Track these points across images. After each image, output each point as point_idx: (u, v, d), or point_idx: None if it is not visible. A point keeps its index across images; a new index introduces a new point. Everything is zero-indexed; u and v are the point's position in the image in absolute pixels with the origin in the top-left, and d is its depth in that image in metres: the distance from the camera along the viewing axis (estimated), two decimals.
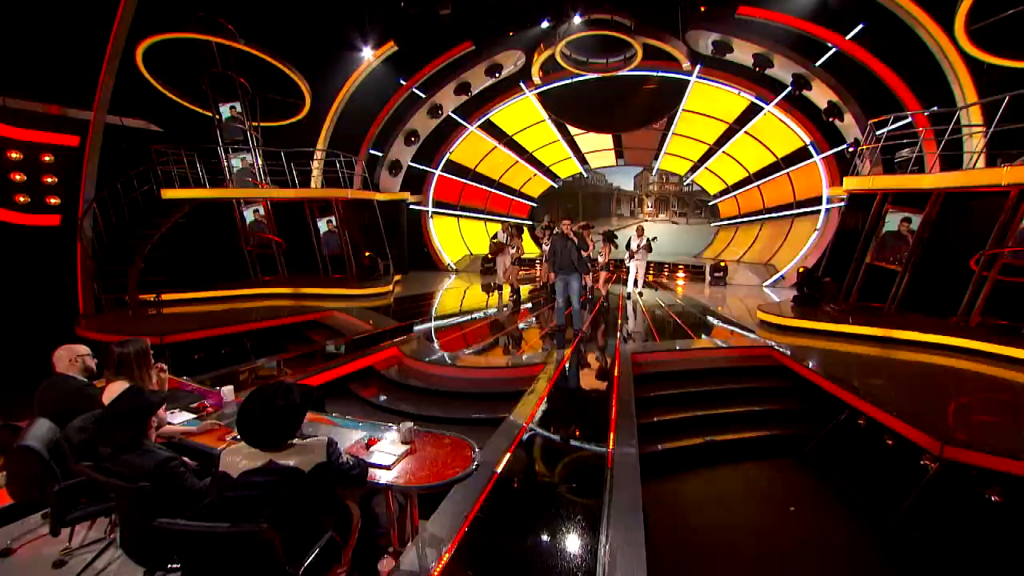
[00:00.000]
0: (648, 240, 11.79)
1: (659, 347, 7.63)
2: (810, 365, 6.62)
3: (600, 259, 11.49)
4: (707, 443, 5.75)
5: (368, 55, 13.68)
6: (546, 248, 11.47)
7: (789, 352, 7.09)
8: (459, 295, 13.28)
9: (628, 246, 11.91)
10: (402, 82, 14.81)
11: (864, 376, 6.29)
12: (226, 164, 11.97)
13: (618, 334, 8.53)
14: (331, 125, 14.40)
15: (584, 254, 8.44)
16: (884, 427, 5.06)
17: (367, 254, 13.51)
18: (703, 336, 8.61)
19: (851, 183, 8.98)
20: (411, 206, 17.01)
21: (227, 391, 3.95)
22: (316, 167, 13.68)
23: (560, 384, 6.10)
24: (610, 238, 12.11)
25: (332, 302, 10.88)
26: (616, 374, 6.26)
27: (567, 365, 6.78)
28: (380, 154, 15.72)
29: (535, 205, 21.11)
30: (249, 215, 12.94)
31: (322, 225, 13.20)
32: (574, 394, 6.12)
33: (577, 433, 4.93)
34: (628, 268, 12.30)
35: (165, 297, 10.55)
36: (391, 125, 15.51)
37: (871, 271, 9.32)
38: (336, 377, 6.73)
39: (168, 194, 10.69)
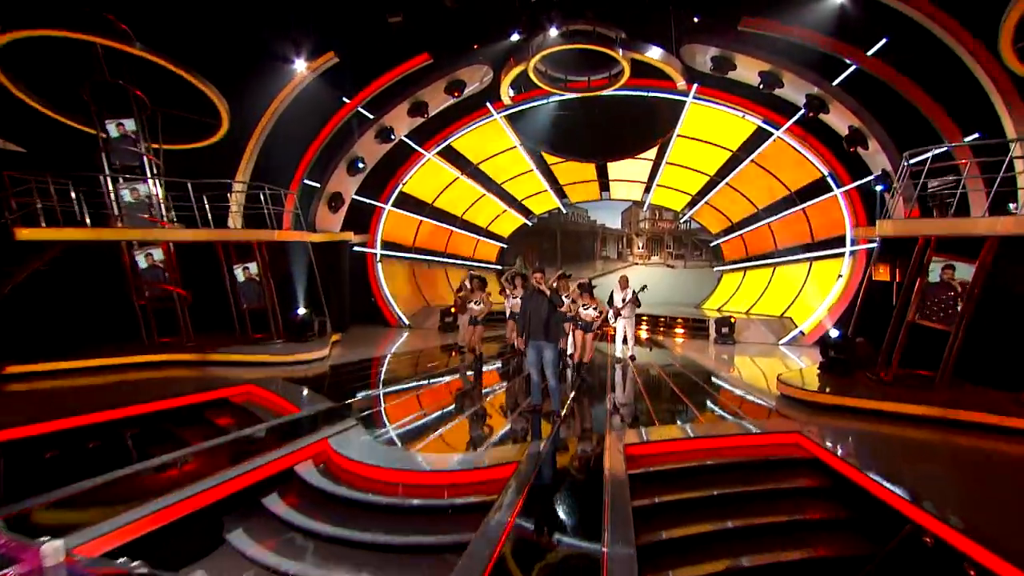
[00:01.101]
0: (634, 292, 11.28)
1: (659, 435, 7.14)
2: (847, 455, 6.21)
3: (590, 314, 10.57)
4: (728, 571, 5.16)
5: (301, 67, 13.35)
6: (513, 302, 10.82)
7: (824, 440, 6.63)
8: (412, 361, 12.74)
9: (611, 301, 11.35)
10: (345, 100, 14.51)
11: (924, 474, 5.90)
12: (113, 196, 11.36)
13: (607, 416, 8.07)
14: (255, 150, 14.03)
15: (561, 310, 7.89)
16: (962, 554, 4.52)
17: (301, 312, 12.83)
18: (712, 410, 8.26)
19: (886, 227, 8.74)
20: (355, 248, 16.53)
21: (51, 549, 3.09)
22: (235, 201, 13.15)
23: (536, 490, 5.58)
24: (587, 289, 11.39)
25: (249, 371, 10.24)
26: (606, 474, 5.77)
27: (543, 462, 6.32)
28: (317, 185, 15.25)
29: (505, 246, 20.92)
30: (143, 260, 12.15)
31: (239, 273, 12.49)
32: (553, 504, 5.64)
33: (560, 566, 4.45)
34: (615, 328, 11.75)
35: (12, 370, 9.52)
36: (331, 151, 15.13)
37: (914, 330, 8.98)
38: (242, 488, 5.92)
39: (27, 234, 9.84)
